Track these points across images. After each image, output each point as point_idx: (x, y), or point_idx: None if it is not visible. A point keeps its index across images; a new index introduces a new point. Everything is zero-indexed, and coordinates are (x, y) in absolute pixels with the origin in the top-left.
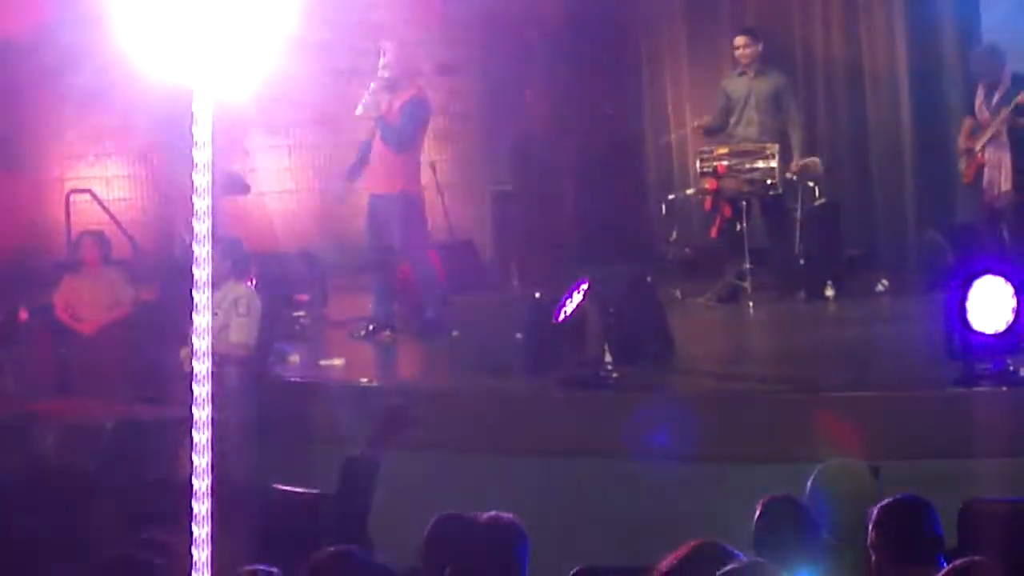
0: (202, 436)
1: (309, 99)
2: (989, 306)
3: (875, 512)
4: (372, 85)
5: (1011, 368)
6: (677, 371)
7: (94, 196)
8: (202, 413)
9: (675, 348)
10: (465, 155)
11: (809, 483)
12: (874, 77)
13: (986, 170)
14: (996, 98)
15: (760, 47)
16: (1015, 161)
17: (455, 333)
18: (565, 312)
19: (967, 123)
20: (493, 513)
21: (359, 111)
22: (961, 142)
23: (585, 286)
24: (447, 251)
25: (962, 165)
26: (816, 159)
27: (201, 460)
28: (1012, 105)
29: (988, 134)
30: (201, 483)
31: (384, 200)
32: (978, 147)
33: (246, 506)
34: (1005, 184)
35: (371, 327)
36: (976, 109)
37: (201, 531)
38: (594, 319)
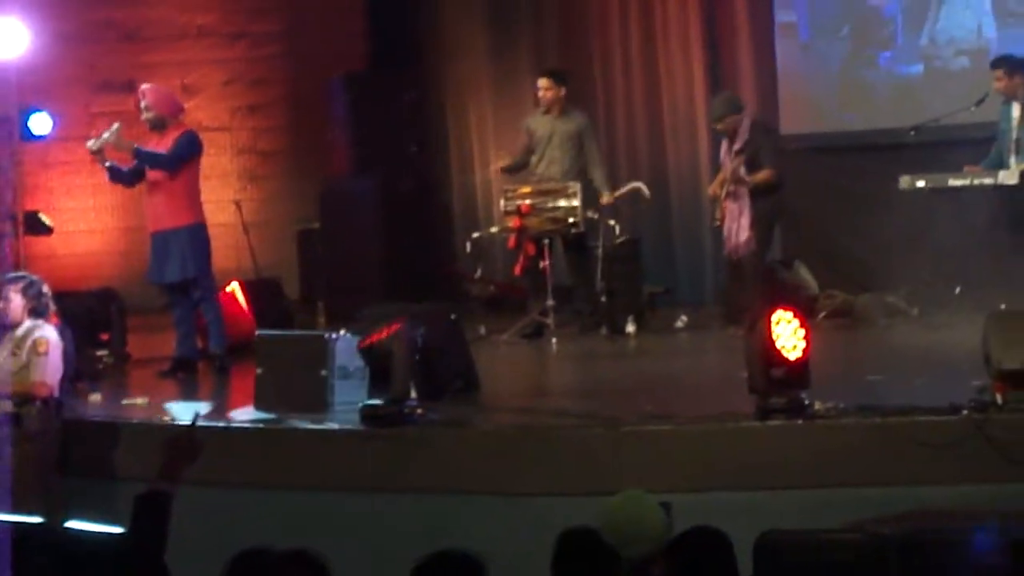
0: None
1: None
2: (783, 341)
3: (671, 542)
4: (115, 125)
5: (804, 401)
6: (481, 407)
7: None
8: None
9: (479, 384)
10: (271, 194)
11: (599, 516)
12: (673, 117)
13: (726, 220)
14: (732, 149)
15: (562, 90)
16: (752, 212)
17: (260, 370)
18: (369, 342)
19: (728, 165)
20: (294, 547)
21: (91, 144)
22: (711, 188)
23: (397, 326)
24: (253, 288)
25: (716, 211)
26: (640, 184)
27: None
28: (736, 163)
29: (724, 185)
30: None
31: (175, 234)
32: (721, 195)
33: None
34: (740, 235)
35: (175, 364)
36: (721, 157)
37: None
38: (399, 355)
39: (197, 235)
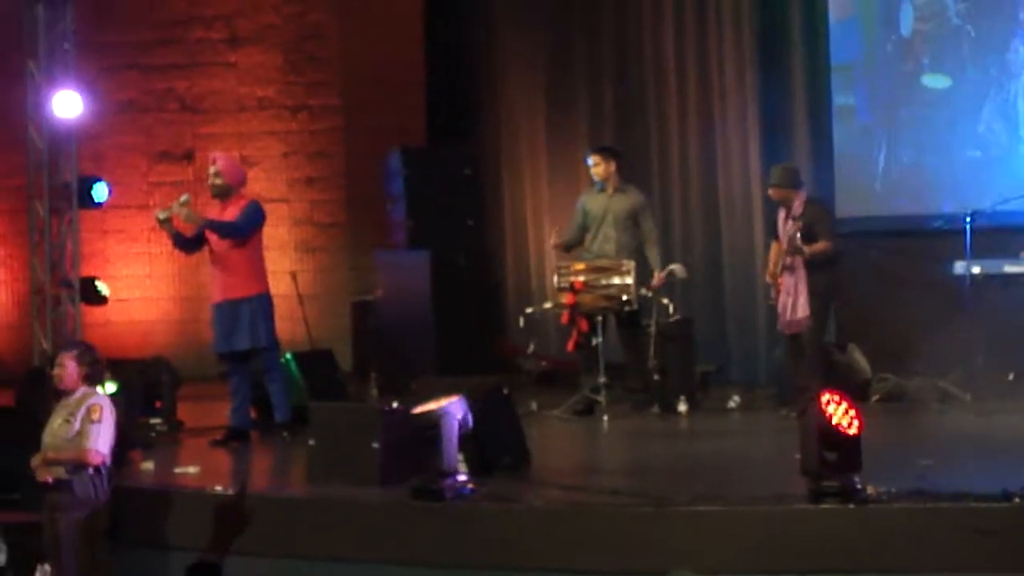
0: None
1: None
2: (836, 422)
3: None
4: (185, 196)
5: (857, 485)
6: (531, 483)
7: None
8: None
9: (530, 460)
10: (326, 265)
11: None
12: (728, 197)
13: (780, 295)
14: (789, 222)
15: (612, 165)
16: (808, 286)
17: (312, 441)
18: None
19: (773, 245)
20: None
21: (159, 214)
22: (768, 271)
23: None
24: (306, 359)
25: (772, 290)
26: (679, 265)
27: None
28: (793, 229)
29: (782, 256)
30: None
31: (244, 303)
32: (777, 270)
33: None
34: (797, 311)
35: (229, 434)
36: (779, 231)
37: None
38: (446, 430)
39: (265, 304)
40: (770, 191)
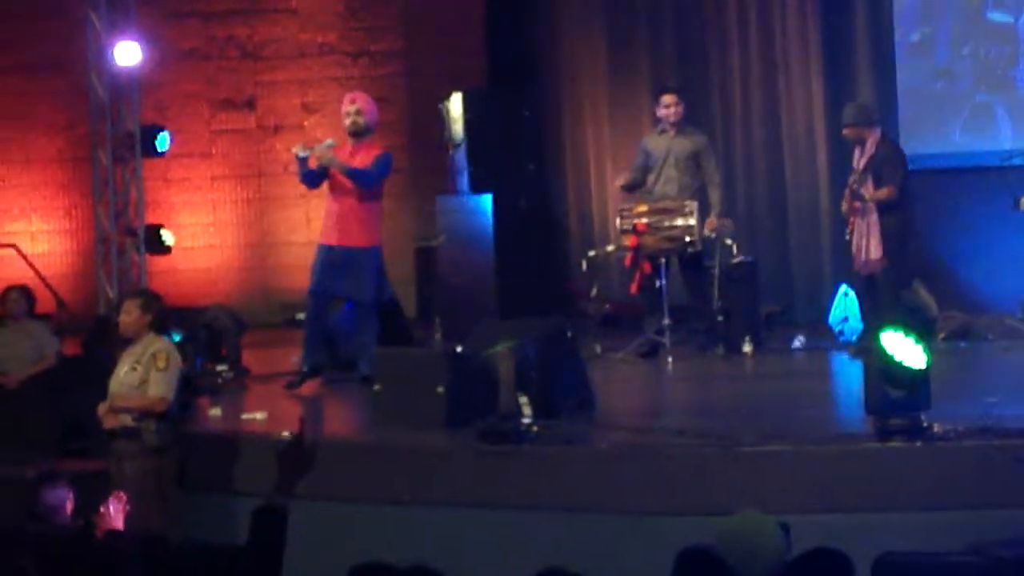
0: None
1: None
2: (901, 361)
3: (791, 563)
4: (329, 140)
5: (923, 423)
6: (597, 425)
7: (18, 251)
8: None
9: (595, 402)
10: (389, 212)
11: (717, 536)
12: (791, 136)
13: (854, 236)
14: (862, 161)
15: (683, 107)
16: (883, 230)
17: (377, 386)
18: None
19: (850, 180)
20: (414, 564)
21: (298, 150)
22: (843, 204)
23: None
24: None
25: (848, 226)
26: (727, 220)
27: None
28: (853, 178)
29: (846, 200)
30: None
31: (359, 253)
32: (847, 209)
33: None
34: (870, 253)
35: (299, 378)
36: (854, 165)
37: None
38: (505, 373)
39: (375, 258)
40: (844, 131)
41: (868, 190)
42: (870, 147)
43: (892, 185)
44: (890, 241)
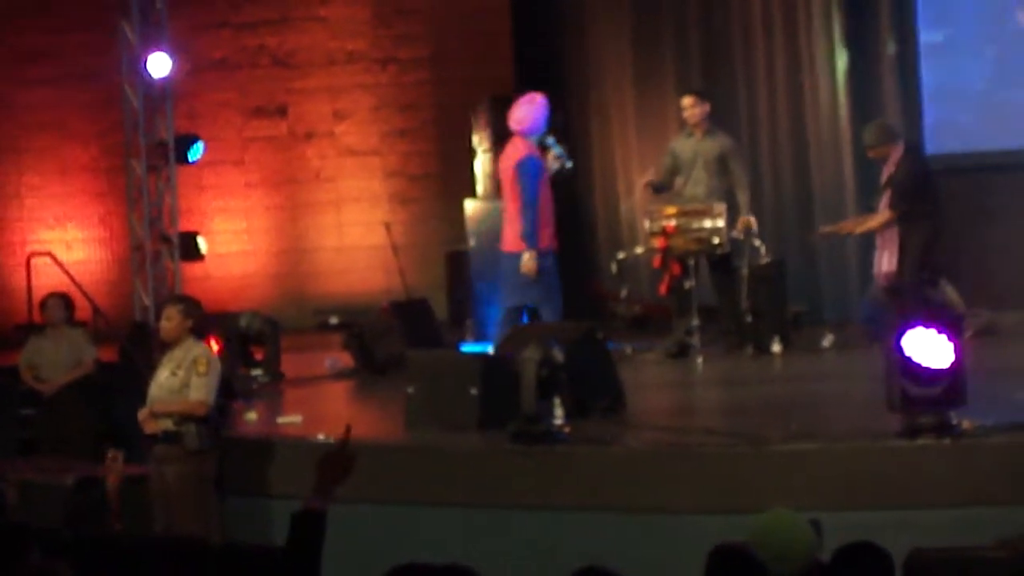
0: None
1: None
2: (928, 358)
3: (833, 556)
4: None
5: (952, 420)
6: (628, 425)
7: (54, 259)
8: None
9: (626, 403)
10: (419, 216)
11: (749, 534)
12: (817, 137)
13: (876, 250)
14: (885, 176)
15: (706, 108)
16: (901, 243)
17: (411, 389)
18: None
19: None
20: (450, 564)
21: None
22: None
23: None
24: (403, 309)
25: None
26: (749, 218)
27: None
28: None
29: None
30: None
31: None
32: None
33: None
34: (884, 264)
35: None
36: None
37: None
38: (526, 374)
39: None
40: (868, 153)
41: (884, 205)
42: (891, 163)
43: (893, 209)
44: (909, 254)
